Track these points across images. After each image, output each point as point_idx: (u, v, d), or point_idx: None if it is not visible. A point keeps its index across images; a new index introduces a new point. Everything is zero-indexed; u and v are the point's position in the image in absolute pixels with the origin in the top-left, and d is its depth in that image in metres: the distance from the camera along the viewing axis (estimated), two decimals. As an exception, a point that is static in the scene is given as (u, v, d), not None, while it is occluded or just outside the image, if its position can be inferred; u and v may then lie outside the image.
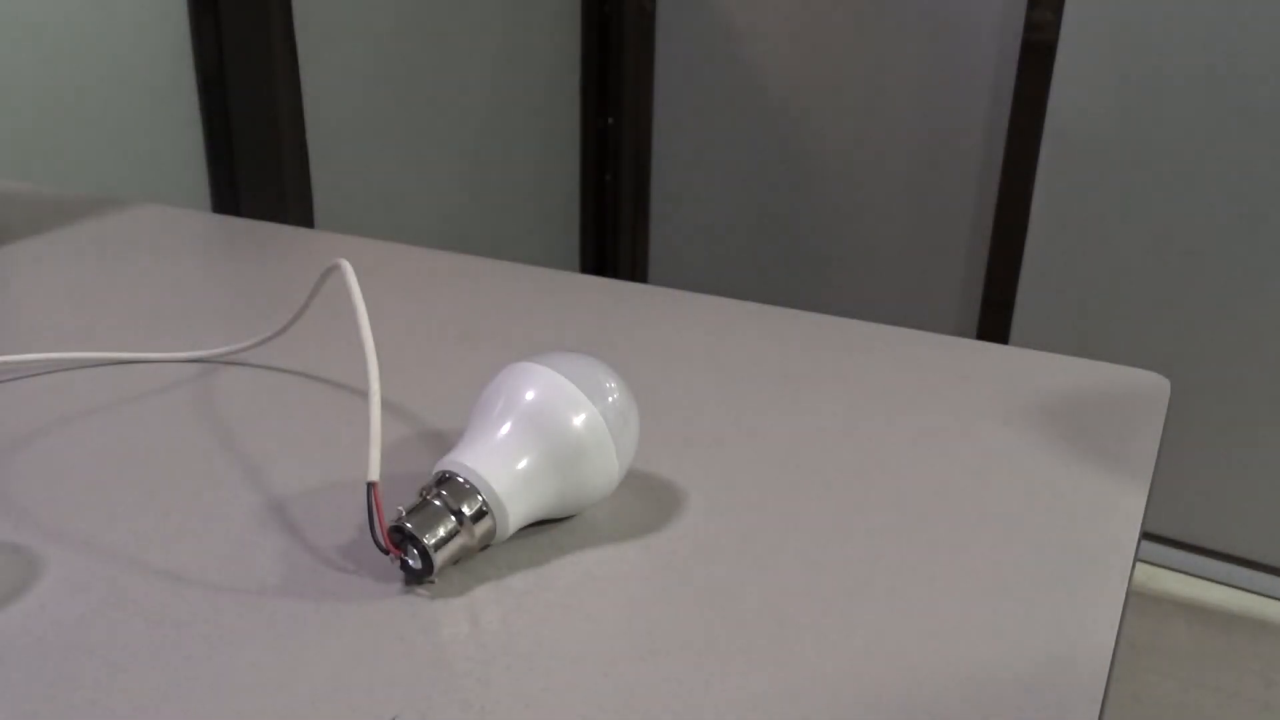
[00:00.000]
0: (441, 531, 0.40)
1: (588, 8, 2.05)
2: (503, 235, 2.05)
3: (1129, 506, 0.48)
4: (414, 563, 0.41)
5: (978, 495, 0.48)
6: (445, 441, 0.52)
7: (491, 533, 0.41)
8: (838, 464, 0.51)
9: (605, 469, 0.44)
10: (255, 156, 1.43)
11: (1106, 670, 0.38)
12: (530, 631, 0.39)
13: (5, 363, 0.57)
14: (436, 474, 0.42)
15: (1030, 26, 1.70)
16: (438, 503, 0.41)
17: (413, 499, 0.42)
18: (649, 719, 0.35)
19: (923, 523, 0.46)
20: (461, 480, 0.41)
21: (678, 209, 2.17)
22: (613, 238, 2.19)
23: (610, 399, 0.44)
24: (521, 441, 0.43)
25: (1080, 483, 0.50)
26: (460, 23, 1.83)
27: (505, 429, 0.43)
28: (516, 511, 0.42)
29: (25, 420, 0.53)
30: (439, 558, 0.40)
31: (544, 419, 0.43)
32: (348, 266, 0.52)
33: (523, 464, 0.42)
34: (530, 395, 0.44)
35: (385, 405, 0.55)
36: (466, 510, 0.41)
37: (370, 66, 1.65)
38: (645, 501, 0.47)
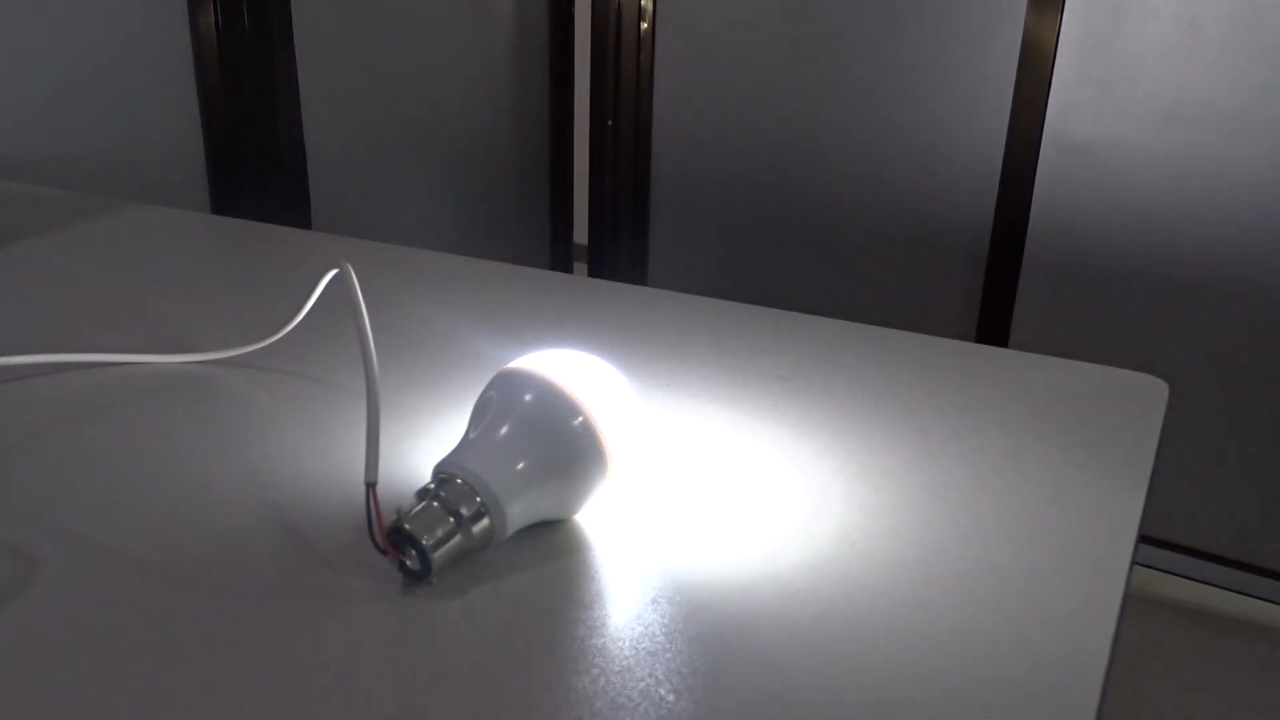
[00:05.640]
0: (440, 532, 0.40)
1: (591, 8, 2.05)
2: (502, 236, 2.05)
3: (1127, 509, 0.48)
4: (412, 564, 0.41)
5: (977, 497, 0.49)
6: (444, 443, 0.52)
7: (490, 533, 0.41)
8: (837, 465, 0.51)
9: (603, 470, 0.44)
10: (254, 158, 1.44)
11: (1104, 672, 0.38)
12: (529, 632, 0.39)
13: (5, 363, 0.57)
14: (435, 475, 0.42)
15: (1030, 27, 1.70)
16: (436, 504, 0.41)
17: (411, 500, 0.42)
18: (649, 718, 0.35)
19: (921, 524, 0.46)
20: (460, 481, 0.41)
21: (678, 209, 2.17)
22: (612, 238, 2.19)
23: (608, 400, 0.44)
24: (520, 443, 0.43)
25: (1079, 485, 0.50)
26: (459, 25, 1.83)
27: (503, 430, 0.43)
28: (515, 512, 0.42)
29: (25, 420, 0.53)
30: (437, 559, 0.40)
31: (542, 420, 0.43)
32: (350, 270, 0.53)
33: (521, 465, 0.42)
34: (528, 397, 0.44)
35: (384, 406, 0.55)
36: (465, 511, 0.41)
37: (368, 69, 1.65)
38: (645, 502, 0.47)
